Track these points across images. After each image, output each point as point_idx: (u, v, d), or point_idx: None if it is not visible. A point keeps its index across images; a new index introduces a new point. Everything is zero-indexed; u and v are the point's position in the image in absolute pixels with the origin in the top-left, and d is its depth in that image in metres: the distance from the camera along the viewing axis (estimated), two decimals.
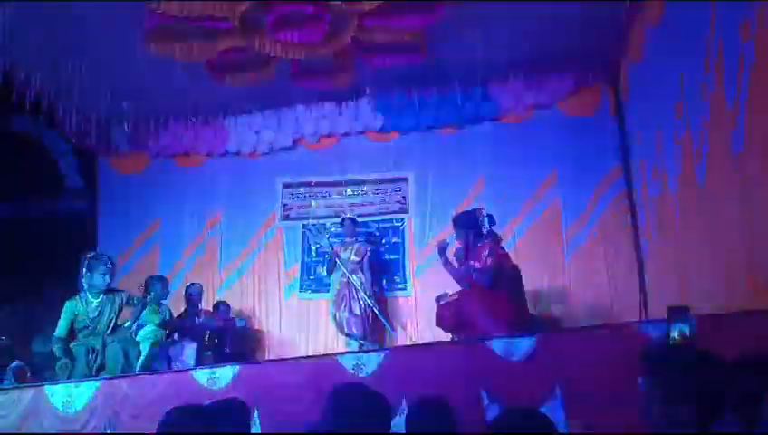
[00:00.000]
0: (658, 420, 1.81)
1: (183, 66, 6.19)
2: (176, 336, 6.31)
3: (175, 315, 6.43)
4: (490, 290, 5.25)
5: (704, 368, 1.77)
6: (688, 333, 2.86)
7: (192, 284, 6.92)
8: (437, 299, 5.48)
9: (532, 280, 6.81)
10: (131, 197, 8.14)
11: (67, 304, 5.03)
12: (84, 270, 5.09)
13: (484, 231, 5.37)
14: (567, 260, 7.12)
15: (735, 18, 3.86)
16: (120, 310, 5.22)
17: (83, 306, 5.01)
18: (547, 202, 7.31)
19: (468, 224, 5.48)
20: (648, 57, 5.82)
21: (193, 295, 6.74)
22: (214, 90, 6.98)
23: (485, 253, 5.27)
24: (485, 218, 5.40)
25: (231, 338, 6.83)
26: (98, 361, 4.86)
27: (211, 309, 7.00)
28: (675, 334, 2.87)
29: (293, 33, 5.86)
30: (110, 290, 5.19)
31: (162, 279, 6.31)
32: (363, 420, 2.27)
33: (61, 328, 4.98)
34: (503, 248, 5.51)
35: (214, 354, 6.45)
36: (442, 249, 5.59)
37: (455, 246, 5.65)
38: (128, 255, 7.81)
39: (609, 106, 7.30)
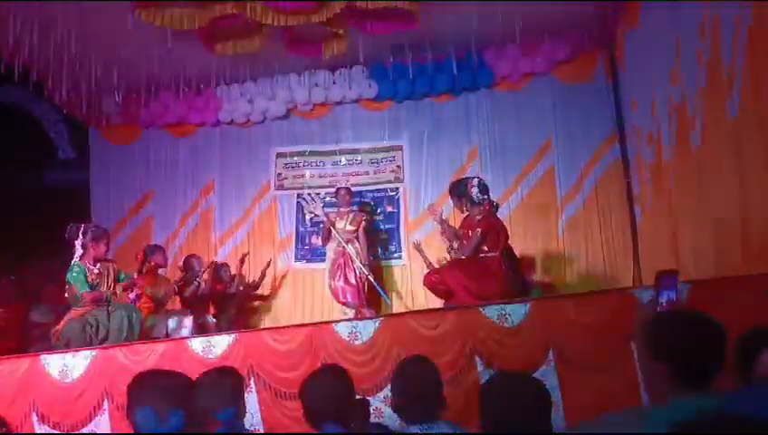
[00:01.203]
0: (652, 379, 1.82)
1: (174, 35, 6.09)
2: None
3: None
4: (477, 259, 5.30)
5: (698, 329, 1.77)
6: (675, 299, 2.89)
7: (191, 255, 6.91)
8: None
9: (527, 247, 6.88)
10: (124, 167, 8.10)
11: (75, 267, 4.97)
12: (86, 239, 5.06)
13: (476, 199, 5.42)
14: (562, 227, 7.14)
15: None
16: (116, 280, 5.21)
17: (87, 271, 5.00)
18: (542, 169, 7.30)
19: (460, 192, 5.56)
20: (644, 23, 5.76)
21: (193, 266, 6.73)
22: (206, 58, 6.88)
23: (478, 219, 5.37)
24: (476, 187, 5.45)
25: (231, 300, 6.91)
26: (99, 334, 4.83)
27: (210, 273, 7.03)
28: (663, 300, 2.90)
29: (286, 1, 5.76)
30: (104, 259, 5.20)
31: (160, 248, 6.31)
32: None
33: (84, 285, 4.92)
34: (495, 217, 5.53)
35: (217, 322, 6.49)
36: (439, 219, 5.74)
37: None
38: (121, 225, 7.81)
39: (604, 73, 7.24)
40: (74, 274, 4.93)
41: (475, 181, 5.56)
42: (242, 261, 7.16)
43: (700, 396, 1.72)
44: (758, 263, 3.70)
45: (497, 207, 5.79)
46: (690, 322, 1.80)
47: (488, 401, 1.90)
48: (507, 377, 2.11)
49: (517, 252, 6.06)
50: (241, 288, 7.15)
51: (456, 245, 5.60)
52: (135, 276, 5.73)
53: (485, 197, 5.48)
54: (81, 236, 5.07)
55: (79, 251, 5.05)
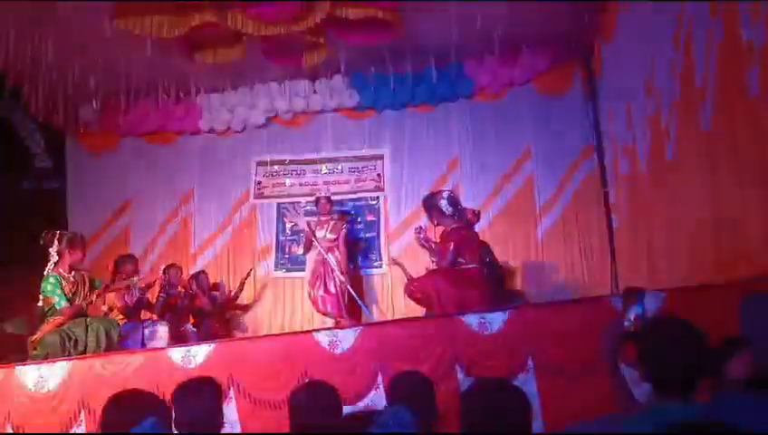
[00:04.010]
0: (639, 391, 1.86)
1: (153, 42, 6.06)
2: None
3: (150, 295, 6.35)
4: (454, 269, 5.35)
5: (684, 338, 1.81)
6: (641, 314, 2.95)
7: (171, 265, 6.84)
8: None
9: (507, 255, 6.93)
10: (101, 176, 8.00)
11: (51, 278, 4.89)
12: (62, 246, 4.99)
13: (445, 212, 5.51)
14: (540, 236, 7.21)
15: None
16: (91, 287, 5.15)
17: (63, 280, 4.93)
18: (521, 179, 7.37)
19: (430, 205, 5.66)
20: (620, 35, 5.87)
21: (171, 277, 6.67)
22: (185, 67, 6.86)
23: (449, 230, 5.44)
24: (445, 200, 5.54)
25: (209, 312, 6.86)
26: (78, 346, 4.76)
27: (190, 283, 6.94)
28: (630, 315, 2.96)
29: (266, 10, 5.78)
30: (78, 268, 5.14)
31: (132, 258, 6.24)
32: None
33: (62, 298, 4.85)
34: (468, 229, 5.59)
35: (197, 331, 6.41)
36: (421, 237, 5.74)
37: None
38: (99, 235, 7.71)
39: (582, 84, 7.34)
40: (50, 285, 4.85)
41: (445, 194, 5.69)
42: (242, 284, 7.21)
43: (682, 403, 1.75)
44: (730, 271, 3.78)
45: (478, 215, 5.86)
46: (675, 331, 1.83)
47: (469, 408, 1.92)
48: (488, 384, 2.13)
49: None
50: (226, 296, 7.11)
51: (434, 258, 5.65)
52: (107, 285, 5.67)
53: (455, 210, 5.56)
54: (56, 243, 5.00)
55: (54, 258, 4.98)
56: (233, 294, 7.27)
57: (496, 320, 4.08)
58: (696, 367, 1.81)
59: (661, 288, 4.08)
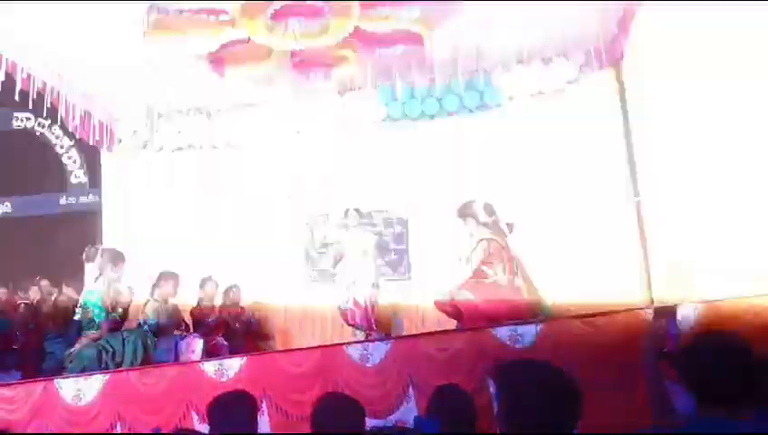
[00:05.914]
0: (681, 404, 1.82)
1: (185, 59, 6.18)
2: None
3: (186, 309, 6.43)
4: (489, 281, 5.31)
5: (729, 354, 1.77)
6: (676, 332, 2.90)
7: (208, 278, 6.93)
8: None
9: (536, 266, 6.83)
10: (135, 191, 8.14)
11: (93, 292, 5.02)
12: (104, 261, 5.11)
13: (482, 221, 5.46)
14: (572, 246, 7.09)
15: None
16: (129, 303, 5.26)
17: (104, 295, 5.04)
18: (552, 188, 7.27)
19: (466, 214, 5.62)
20: (650, 43, 5.79)
21: (207, 291, 6.74)
22: (216, 82, 6.96)
23: (481, 239, 5.38)
24: (482, 209, 5.50)
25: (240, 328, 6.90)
26: (115, 359, 4.86)
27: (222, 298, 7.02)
28: (665, 334, 2.91)
29: (294, 24, 5.84)
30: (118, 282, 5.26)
31: (173, 275, 6.33)
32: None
33: (102, 311, 4.96)
34: (498, 240, 5.53)
35: (229, 344, 6.46)
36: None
37: None
38: (132, 249, 7.81)
39: (612, 92, 7.25)
40: (93, 298, 4.97)
41: (482, 203, 5.62)
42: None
43: (727, 418, 1.71)
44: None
45: (512, 227, 5.80)
46: (720, 344, 1.79)
47: (511, 385, 1.71)
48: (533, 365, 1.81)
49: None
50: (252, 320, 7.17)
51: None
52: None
53: (491, 218, 5.51)
54: (99, 258, 5.14)
55: (95, 273, 5.11)
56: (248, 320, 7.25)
57: (528, 333, 4.04)
58: (740, 381, 1.76)
59: (698, 300, 3.99)
